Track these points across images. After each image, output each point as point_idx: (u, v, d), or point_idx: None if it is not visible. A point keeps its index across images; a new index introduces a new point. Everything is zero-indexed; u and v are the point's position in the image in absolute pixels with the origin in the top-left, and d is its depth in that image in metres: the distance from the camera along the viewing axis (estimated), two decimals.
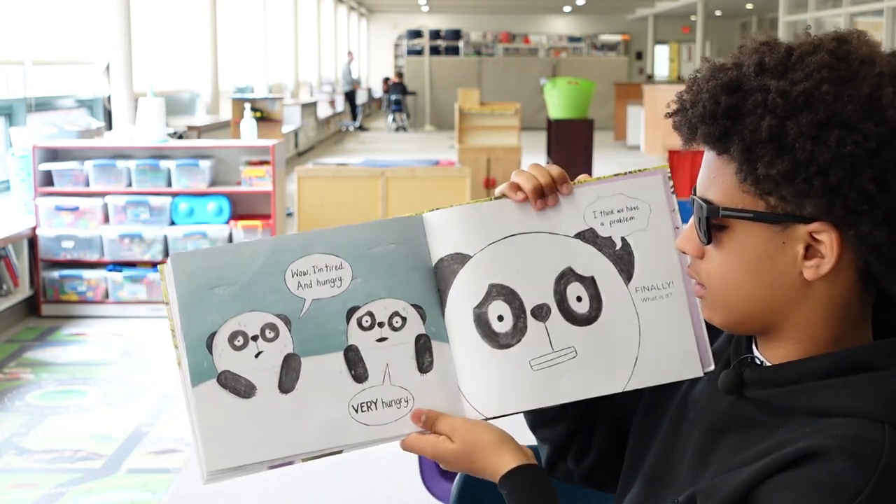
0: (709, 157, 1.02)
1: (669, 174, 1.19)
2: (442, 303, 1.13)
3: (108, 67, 7.80)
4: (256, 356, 1.07)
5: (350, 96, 21.84)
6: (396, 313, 1.11)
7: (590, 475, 1.30)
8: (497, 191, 1.18)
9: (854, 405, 0.95)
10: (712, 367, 1.14)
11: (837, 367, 0.98)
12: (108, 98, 7.84)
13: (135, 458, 3.76)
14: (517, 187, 1.17)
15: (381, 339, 1.10)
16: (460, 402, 1.13)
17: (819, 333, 1.01)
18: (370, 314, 1.11)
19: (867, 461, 0.90)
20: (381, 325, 1.11)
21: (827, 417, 0.95)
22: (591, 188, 1.17)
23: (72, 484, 3.53)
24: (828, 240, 0.95)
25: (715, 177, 1.01)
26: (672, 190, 1.18)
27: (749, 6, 22.29)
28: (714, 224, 1.01)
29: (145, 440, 3.93)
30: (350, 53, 23.35)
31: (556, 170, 1.18)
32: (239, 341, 1.07)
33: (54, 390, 4.53)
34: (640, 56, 27.43)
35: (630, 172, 1.19)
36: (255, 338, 1.07)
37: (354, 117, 22.05)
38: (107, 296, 5.77)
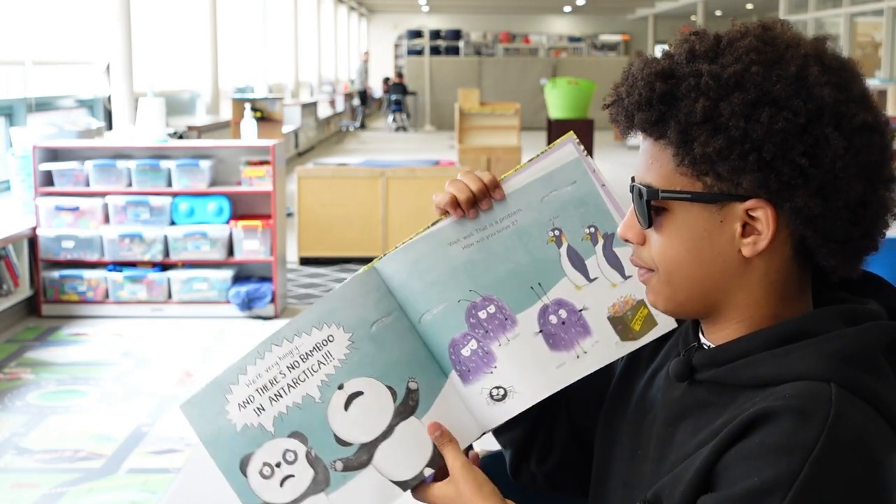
0: (645, 144, 1.06)
1: (577, 140, 1.23)
2: (434, 353, 1.18)
3: (108, 67, 7.80)
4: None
5: (362, 96, 21.87)
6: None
7: (553, 478, 1.32)
8: (437, 201, 1.20)
9: (798, 369, 0.97)
10: None
11: (779, 338, 1.01)
12: (109, 98, 7.84)
13: (135, 458, 3.76)
14: (454, 202, 1.19)
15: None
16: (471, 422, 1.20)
17: (759, 311, 1.04)
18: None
19: (816, 415, 0.92)
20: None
21: (774, 386, 0.98)
22: (516, 178, 1.22)
23: (72, 484, 3.53)
24: (763, 216, 0.99)
25: (652, 162, 1.05)
26: (584, 152, 1.23)
27: (749, 6, 22.29)
28: (654, 206, 1.04)
29: (145, 440, 3.93)
30: (366, 53, 23.43)
31: (487, 176, 1.21)
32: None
33: (54, 390, 4.53)
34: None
35: (542, 152, 1.23)
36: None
37: (354, 117, 22.04)
38: (107, 296, 5.77)
